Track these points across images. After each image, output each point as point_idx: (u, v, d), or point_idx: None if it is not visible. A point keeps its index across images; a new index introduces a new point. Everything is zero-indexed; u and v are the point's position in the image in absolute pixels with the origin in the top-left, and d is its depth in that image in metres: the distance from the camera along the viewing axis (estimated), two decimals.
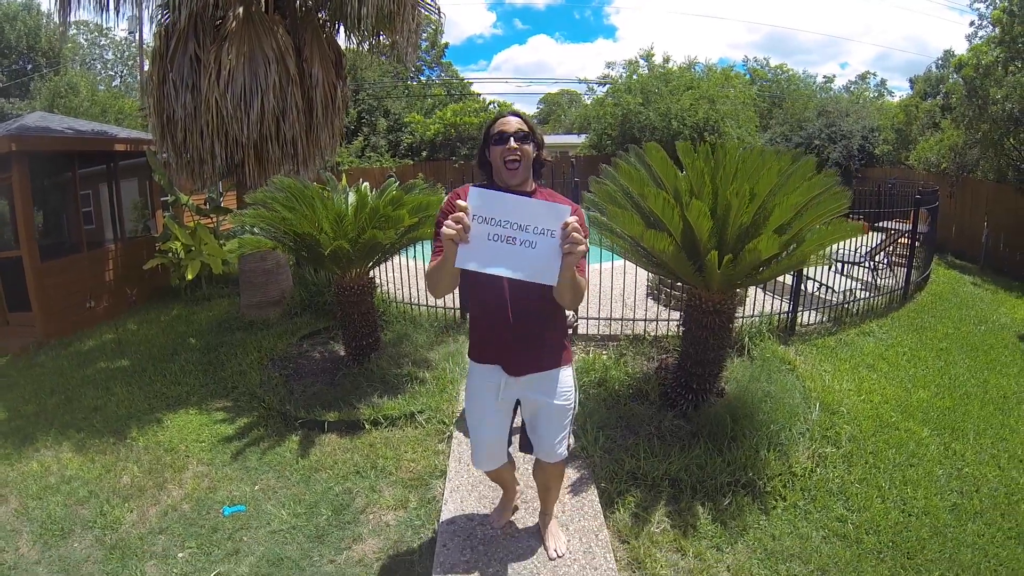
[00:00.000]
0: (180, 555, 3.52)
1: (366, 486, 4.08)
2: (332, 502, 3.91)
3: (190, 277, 8.93)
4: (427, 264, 2.55)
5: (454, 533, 3.38)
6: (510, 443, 2.97)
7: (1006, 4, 12.48)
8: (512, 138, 2.48)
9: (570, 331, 2.96)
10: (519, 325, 2.58)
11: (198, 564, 3.43)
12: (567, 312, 2.96)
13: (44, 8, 31.25)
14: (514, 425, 2.94)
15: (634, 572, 3.24)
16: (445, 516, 3.56)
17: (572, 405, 2.78)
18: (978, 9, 13.40)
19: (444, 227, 2.11)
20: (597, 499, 3.76)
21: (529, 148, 2.53)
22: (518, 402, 2.82)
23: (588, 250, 2.25)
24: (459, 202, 2.13)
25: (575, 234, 2.08)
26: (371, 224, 5.05)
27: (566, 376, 2.75)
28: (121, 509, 3.98)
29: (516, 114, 2.60)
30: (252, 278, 7.89)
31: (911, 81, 18.76)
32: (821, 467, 4.14)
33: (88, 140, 9.14)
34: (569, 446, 2.85)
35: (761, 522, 3.60)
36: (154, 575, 3.38)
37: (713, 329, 4.45)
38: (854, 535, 3.54)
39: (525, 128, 2.53)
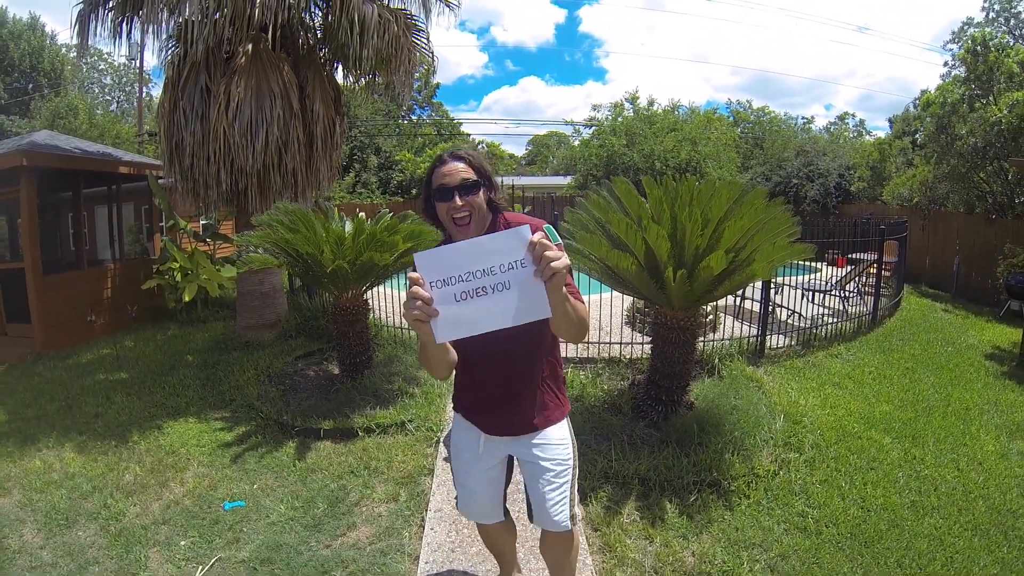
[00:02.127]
0: (182, 543, 3.75)
1: (359, 483, 4.36)
2: (328, 497, 4.18)
3: (187, 299, 9.21)
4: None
5: (441, 519, 3.70)
6: (505, 499, 2.63)
7: (970, 45, 13.28)
8: (456, 193, 2.15)
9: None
10: (498, 379, 2.31)
11: (200, 551, 3.67)
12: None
13: (48, 29, 31.93)
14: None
15: (605, 555, 3.53)
16: (433, 506, 3.88)
17: (569, 464, 2.42)
18: (951, 50, 14.17)
19: (403, 312, 1.84)
20: None
21: (479, 198, 2.19)
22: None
23: (570, 265, 1.85)
24: (410, 274, 1.81)
25: (546, 252, 1.73)
26: (368, 247, 5.43)
27: (558, 429, 2.41)
28: (124, 503, 4.21)
29: (460, 156, 2.22)
30: (249, 301, 8.20)
31: (890, 121, 19.48)
32: (784, 470, 4.43)
33: (94, 160, 9.49)
34: (575, 515, 2.44)
35: (725, 516, 3.88)
36: (158, 560, 3.60)
37: (678, 344, 4.84)
38: (814, 528, 3.79)
39: (471, 176, 2.17)
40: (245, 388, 6.19)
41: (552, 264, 1.72)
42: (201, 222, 10.94)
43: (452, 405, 2.55)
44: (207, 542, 3.75)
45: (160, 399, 6.15)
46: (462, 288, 1.79)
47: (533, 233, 1.77)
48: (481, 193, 2.19)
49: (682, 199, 4.29)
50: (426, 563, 3.36)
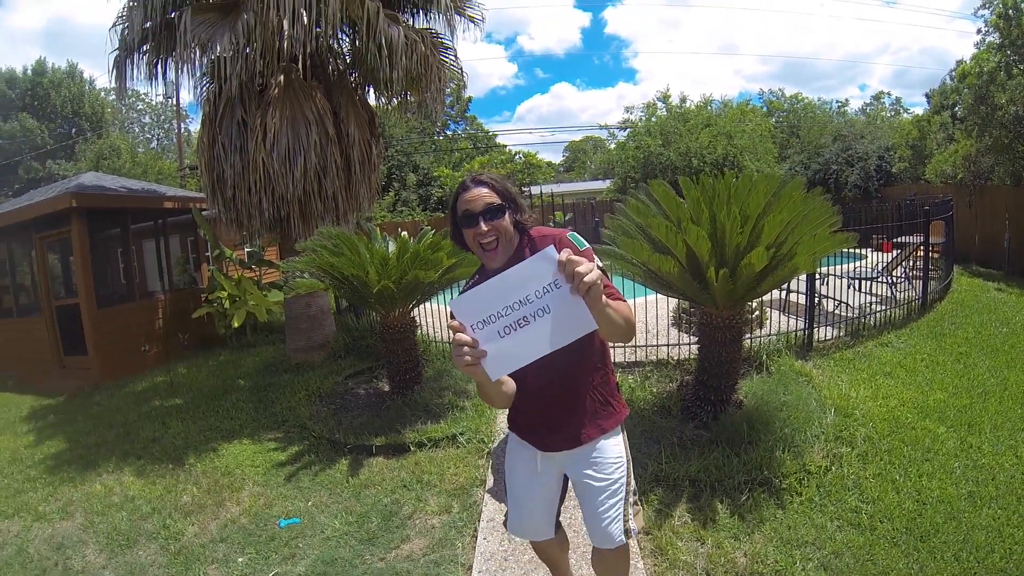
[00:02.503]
0: (240, 559, 3.87)
1: (412, 497, 4.43)
2: (381, 511, 4.25)
3: (236, 325, 9.46)
4: None
5: (493, 528, 3.73)
6: (559, 514, 2.63)
7: (1001, 9, 12.65)
8: (481, 219, 2.14)
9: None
10: (551, 396, 2.31)
11: (257, 567, 3.78)
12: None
13: (87, 75, 33.22)
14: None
15: (657, 558, 3.52)
16: (485, 516, 3.92)
17: (621, 479, 2.39)
18: (983, 16, 13.60)
19: (455, 359, 1.84)
20: None
21: (505, 221, 2.17)
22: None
23: (602, 271, 1.90)
24: (451, 323, 1.84)
25: (576, 268, 1.73)
26: (413, 266, 5.54)
27: (613, 445, 2.39)
28: (183, 523, 4.37)
29: (483, 181, 2.21)
30: (297, 323, 8.38)
31: (927, 96, 18.85)
32: (836, 465, 4.34)
33: (139, 198, 9.94)
34: (631, 530, 2.42)
35: (777, 515, 3.83)
36: None
37: (725, 343, 4.81)
38: (868, 523, 3.70)
39: (495, 199, 2.16)
40: (297, 409, 6.32)
41: (586, 279, 1.71)
42: (246, 249, 11.24)
43: (507, 424, 2.54)
44: (264, 558, 3.86)
45: (214, 422, 6.33)
46: (504, 323, 1.80)
47: (558, 248, 1.78)
48: (507, 216, 2.18)
49: (719, 197, 4.28)
50: (479, 572, 3.40)
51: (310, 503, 4.51)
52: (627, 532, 2.40)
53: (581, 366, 2.28)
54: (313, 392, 6.77)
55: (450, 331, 1.84)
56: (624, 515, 2.39)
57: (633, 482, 2.48)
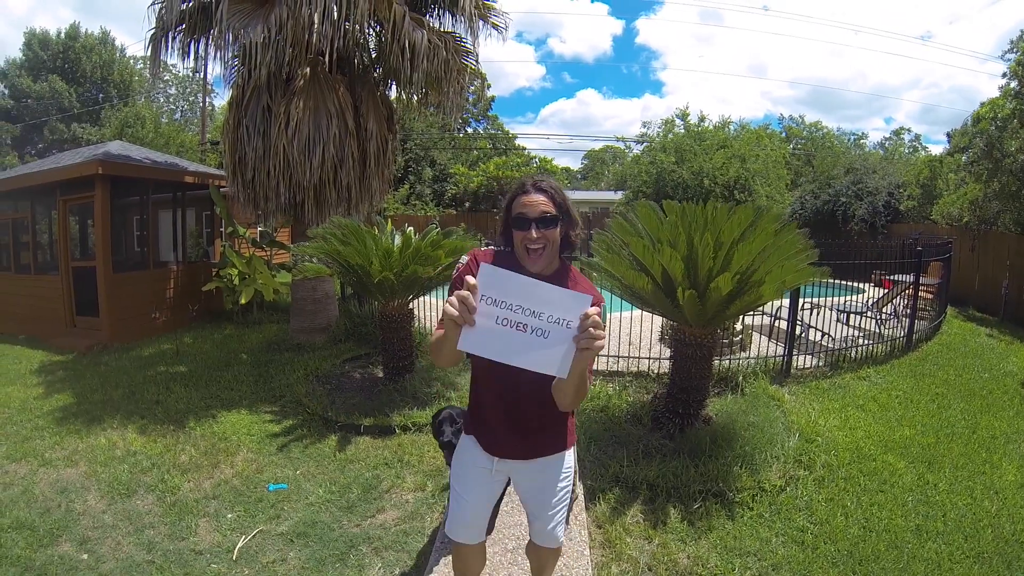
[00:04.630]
0: (229, 515, 4.19)
1: (392, 474, 4.76)
2: (362, 484, 4.58)
3: (244, 301, 9.80)
4: (434, 328, 2.20)
5: None
6: (494, 516, 2.77)
7: (1021, 56, 12.60)
8: (534, 225, 2.19)
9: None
10: (513, 406, 2.37)
11: (244, 523, 4.09)
12: None
13: (118, 43, 33.73)
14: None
15: (605, 550, 3.80)
16: None
17: (569, 486, 2.56)
18: (1010, 59, 13.51)
19: (447, 305, 1.88)
20: (582, 491, 4.35)
21: (555, 232, 2.24)
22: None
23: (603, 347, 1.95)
24: (468, 278, 1.87)
25: (594, 329, 1.84)
26: (413, 261, 5.87)
27: (568, 456, 2.54)
28: (179, 479, 4.69)
29: (542, 189, 2.25)
30: (303, 305, 8.75)
31: (948, 135, 18.89)
32: (791, 486, 4.58)
33: (162, 171, 10.27)
34: (566, 530, 2.62)
35: (726, 525, 4.08)
36: (206, 528, 4.04)
37: (696, 360, 5.13)
38: (811, 543, 3.90)
39: (551, 210, 2.21)
40: (294, 386, 6.64)
41: (595, 342, 1.84)
42: (258, 229, 11.58)
43: (465, 427, 2.62)
44: (251, 516, 4.18)
45: (215, 391, 6.67)
46: (507, 315, 1.88)
47: (593, 306, 1.87)
48: (558, 228, 2.24)
49: (697, 223, 4.59)
50: (441, 542, 3.68)
51: (298, 472, 4.82)
52: (563, 533, 2.60)
53: (547, 384, 2.20)
54: (311, 371, 7.11)
55: (463, 283, 1.87)
56: (566, 520, 2.58)
57: (576, 491, 2.69)
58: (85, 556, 3.71)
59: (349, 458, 5.05)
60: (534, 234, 2.18)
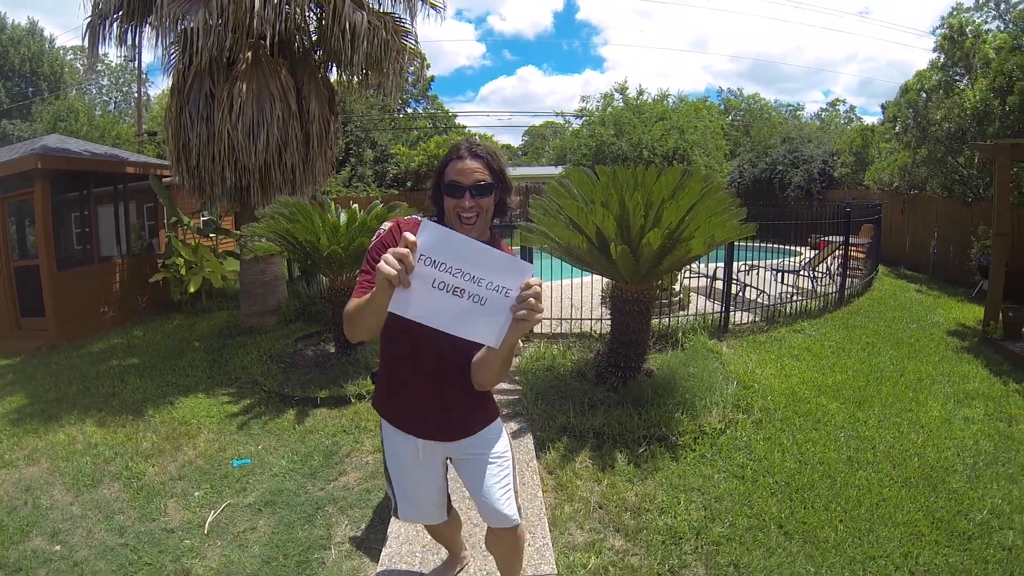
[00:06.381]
0: (197, 493, 4.31)
1: (351, 440, 4.97)
2: (323, 452, 4.77)
3: (193, 290, 9.75)
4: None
5: None
6: (449, 496, 2.58)
7: (947, 31, 13.70)
8: (468, 194, 2.07)
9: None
10: (429, 384, 2.22)
11: (212, 499, 4.23)
12: None
13: (47, 34, 32.49)
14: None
15: (557, 493, 4.08)
16: None
17: (508, 457, 2.41)
18: (938, 34, 14.42)
19: (382, 263, 1.67)
20: (532, 442, 4.64)
21: (489, 200, 2.12)
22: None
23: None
24: (407, 234, 1.69)
25: (533, 301, 1.72)
26: (360, 234, 6.05)
27: (493, 429, 2.39)
28: (143, 465, 4.76)
29: (478, 155, 2.11)
30: (252, 289, 8.79)
31: (883, 107, 19.75)
32: (730, 429, 4.92)
33: (103, 162, 10.09)
34: (520, 507, 2.42)
35: (671, 466, 4.40)
36: (175, 507, 4.15)
37: (633, 315, 5.42)
38: (751, 477, 4.24)
39: (486, 178, 2.09)
40: (249, 367, 6.76)
41: (533, 313, 1.72)
42: (202, 218, 11.48)
43: (376, 406, 2.46)
44: (218, 492, 4.31)
45: (171, 379, 6.71)
46: (444, 278, 1.73)
47: (531, 277, 1.75)
48: (493, 195, 2.13)
49: (627, 184, 4.83)
50: None
51: (260, 447, 4.97)
52: (519, 509, 2.40)
53: (466, 360, 2.13)
54: (265, 352, 7.20)
55: (400, 240, 1.70)
56: (515, 492, 2.40)
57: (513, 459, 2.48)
58: (58, 548, 3.77)
59: (308, 429, 5.22)
60: (468, 203, 2.06)
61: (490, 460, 2.34)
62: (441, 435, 2.30)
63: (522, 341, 2.06)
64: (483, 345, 1.91)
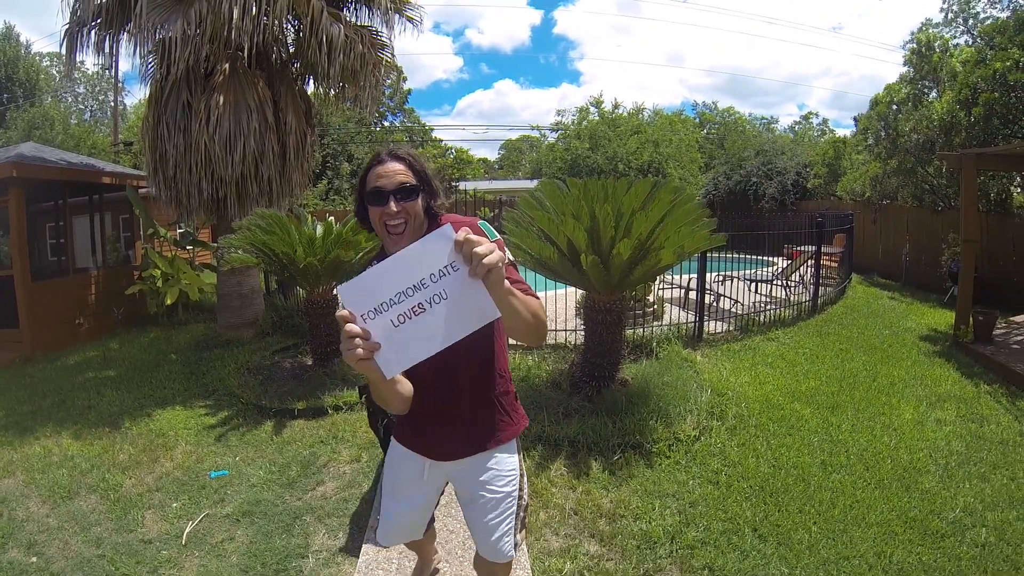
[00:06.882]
0: (174, 504, 4.29)
1: (328, 450, 4.99)
2: (300, 462, 4.79)
3: (169, 302, 9.69)
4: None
5: None
6: (433, 517, 2.53)
7: (914, 46, 14.22)
8: (392, 198, 1.93)
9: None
10: (445, 399, 2.10)
11: (189, 510, 4.21)
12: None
13: (23, 39, 32.03)
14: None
15: (532, 501, 4.10)
16: None
17: (514, 492, 2.23)
18: (907, 49, 14.96)
19: (345, 355, 1.58)
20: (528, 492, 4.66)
21: (416, 204, 1.97)
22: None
23: (506, 258, 1.72)
24: (340, 313, 1.58)
25: (475, 249, 1.51)
26: (336, 246, 6.10)
27: (508, 458, 2.22)
28: (120, 476, 4.73)
29: (399, 156, 2.01)
30: (229, 301, 8.76)
31: (855, 119, 20.24)
32: (705, 436, 4.99)
33: (79, 172, 9.97)
34: (517, 543, 2.27)
35: (645, 472, 4.46)
36: (153, 519, 4.13)
37: (607, 325, 5.52)
38: (726, 482, 4.30)
39: (410, 180, 1.96)
40: (227, 379, 6.73)
41: (485, 261, 1.50)
42: (179, 230, 11.42)
43: (407, 447, 2.28)
44: (195, 503, 4.29)
45: (148, 392, 6.66)
46: (397, 311, 1.59)
47: (460, 231, 1.55)
48: (420, 199, 1.98)
49: (598, 196, 4.92)
50: (378, 503, 3.93)
51: (238, 458, 4.96)
52: (516, 546, 2.27)
53: (480, 367, 2.09)
54: (242, 365, 7.19)
55: (339, 322, 1.57)
56: (515, 529, 2.26)
57: (526, 496, 2.32)
58: (35, 559, 3.74)
59: (286, 440, 5.23)
60: (393, 207, 1.92)
61: (496, 494, 2.20)
62: (451, 454, 2.18)
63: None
64: (485, 348, 1.88)
